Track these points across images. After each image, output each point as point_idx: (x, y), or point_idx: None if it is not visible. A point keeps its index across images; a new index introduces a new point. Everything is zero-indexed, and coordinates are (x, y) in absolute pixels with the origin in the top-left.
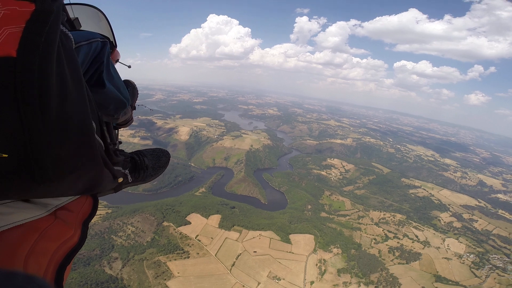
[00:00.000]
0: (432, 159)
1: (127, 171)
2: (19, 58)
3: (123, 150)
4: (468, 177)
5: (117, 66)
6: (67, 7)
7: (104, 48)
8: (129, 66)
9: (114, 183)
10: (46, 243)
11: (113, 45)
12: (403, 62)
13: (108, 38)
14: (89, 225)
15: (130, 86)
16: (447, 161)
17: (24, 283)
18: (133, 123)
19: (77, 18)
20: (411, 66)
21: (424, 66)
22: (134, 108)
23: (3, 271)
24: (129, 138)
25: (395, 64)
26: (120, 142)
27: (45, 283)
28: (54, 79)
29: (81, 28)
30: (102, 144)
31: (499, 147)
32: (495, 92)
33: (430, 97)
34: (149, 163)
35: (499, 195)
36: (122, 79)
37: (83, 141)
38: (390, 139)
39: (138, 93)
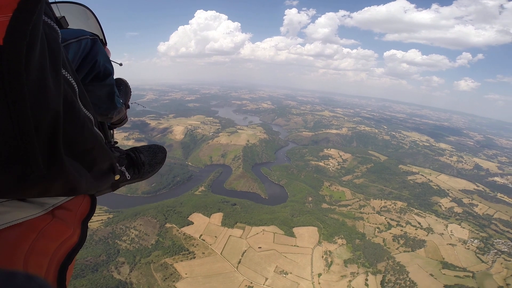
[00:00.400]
0: (427, 144)
1: (123, 168)
2: (6, 47)
3: (119, 147)
4: (464, 161)
5: None
6: (53, 6)
7: (95, 46)
8: (121, 64)
9: (111, 179)
10: (46, 243)
11: (103, 43)
12: (393, 51)
13: (97, 36)
14: (90, 230)
15: (122, 84)
16: (442, 145)
17: (25, 283)
18: (126, 125)
19: (64, 16)
20: (400, 55)
21: (414, 54)
22: (128, 107)
23: (3, 271)
24: (124, 141)
25: (385, 53)
26: (116, 142)
27: (46, 283)
28: (38, 69)
29: (68, 27)
30: (102, 136)
31: (492, 130)
32: (484, 78)
33: (421, 84)
34: (146, 160)
35: (496, 178)
36: (114, 78)
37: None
38: (385, 127)
39: (131, 91)
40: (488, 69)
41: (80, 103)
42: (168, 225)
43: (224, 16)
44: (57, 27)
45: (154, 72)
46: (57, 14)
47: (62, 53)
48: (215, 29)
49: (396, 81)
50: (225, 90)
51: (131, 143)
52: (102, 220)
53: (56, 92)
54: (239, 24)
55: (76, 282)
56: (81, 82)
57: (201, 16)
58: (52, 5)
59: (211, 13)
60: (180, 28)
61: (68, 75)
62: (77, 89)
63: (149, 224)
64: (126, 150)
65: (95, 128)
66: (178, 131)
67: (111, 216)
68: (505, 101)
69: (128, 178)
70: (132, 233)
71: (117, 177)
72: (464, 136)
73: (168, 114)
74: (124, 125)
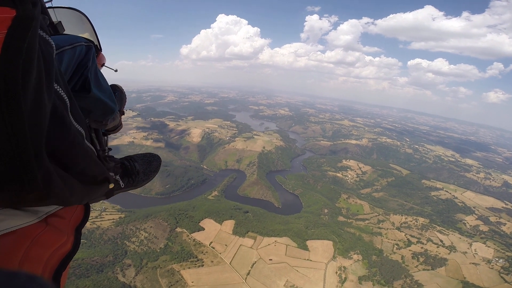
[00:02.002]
0: (453, 159)
1: (117, 177)
2: (2, 64)
3: (113, 156)
4: (492, 178)
5: (104, 70)
6: (50, 10)
7: (89, 52)
8: (116, 70)
9: (105, 189)
10: (39, 250)
11: (98, 49)
12: (418, 60)
13: (92, 42)
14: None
15: (117, 91)
16: (468, 161)
17: (26, 283)
18: (146, 125)
19: (60, 21)
20: (426, 64)
21: (440, 64)
22: (123, 113)
23: (5, 271)
24: (142, 141)
25: (409, 62)
26: (110, 149)
27: (47, 283)
28: (36, 85)
29: (64, 32)
30: (94, 149)
31: None
32: None
33: (446, 95)
34: (140, 168)
35: None
36: (110, 84)
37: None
38: (407, 139)
39: (126, 98)
40: None
41: (72, 117)
42: (178, 229)
43: (244, 21)
44: (52, 41)
45: (176, 74)
46: (54, 19)
47: (55, 68)
48: (235, 34)
49: (420, 91)
50: (243, 94)
51: (149, 143)
52: (113, 219)
53: (48, 107)
54: (259, 29)
55: (79, 282)
56: (74, 90)
57: (223, 20)
58: (49, 9)
59: (232, 17)
60: (202, 31)
61: (60, 89)
62: (68, 104)
63: (159, 227)
64: (120, 159)
65: (86, 142)
66: (196, 133)
67: (123, 215)
68: None
69: (122, 187)
70: (142, 235)
71: (111, 185)
72: (492, 152)
73: (187, 116)
74: (144, 125)
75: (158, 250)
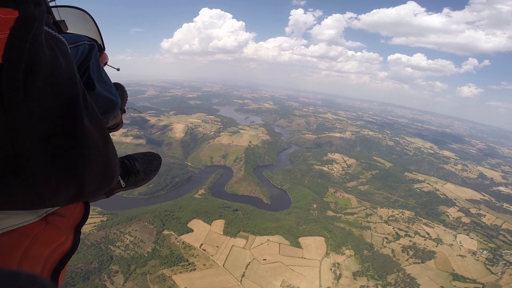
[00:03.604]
0: (432, 151)
1: (118, 176)
2: (5, 65)
3: None
4: (468, 170)
5: (106, 69)
6: (53, 9)
7: (92, 51)
8: (118, 69)
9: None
10: (39, 249)
11: (101, 48)
12: (398, 55)
13: (96, 41)
14: (82, 234)
15: (119, 89)
16: (446, 153)
17: (27, 283)
18: (125, 121)
19: (64, 20)
20: (406, 59)
21: (419, 59)
22: (124, 112)
23: (6, 271)
24: (121, 138)
25: (389, 57)
26: None
27: (48, 283)
28: (40, 85)
29: (67, 31)
30: None
31: (493, 138)
32: (488, 85)
33: (423, 89)
34: (140, 167)
35: (501, 188)
36: (113, 81)
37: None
38: (388, 132)
39: (127, 96)
40: (493, 76)
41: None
42: (166, 232)
43: (229, 15)
44: (63, 38)
45: (157, 69)
46: (57, 18)
47: (74, 63)
48: (219, 28)
49: (398, 85)
50: (227, 88)
51: (129, 140)
52: (95, 223)
53: (65, 103)
54: (244, 23)
55: None
56: None
57: (206, 14)
58: (52, 9)
59: (216, 11)
60: (185, 25)
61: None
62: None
63: (145, 230)
64: (121, 158)
65: None
66: (178, 129)
67: (104, 219)
68: (507, 108)
69: (123, 186)
70: (127, 239)
71: None
72: (467, 143)
73: (169, 111)
74: (123, 121)
75: (146, 255)
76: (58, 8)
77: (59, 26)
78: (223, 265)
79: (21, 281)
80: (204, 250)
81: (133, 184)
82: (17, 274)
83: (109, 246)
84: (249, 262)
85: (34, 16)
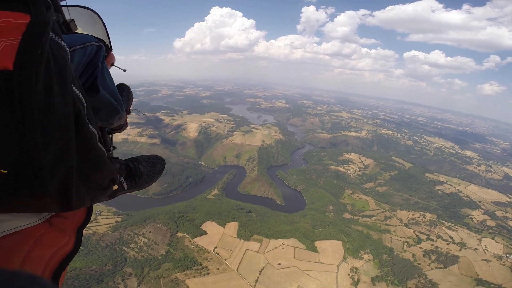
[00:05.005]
0: (453, 151)
1: (122, 179)
2: (17, 72)
3: (118, 158)
4: (492, 171)
5: (112, 69)
6: (63, 9)
7: (99, 52)
8: (125, 70)
9: (110, 190)
10: (41, 250)
11: (109, 48)
12: (414, 52)
13: (103, 41)
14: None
15: (125, 90)
16: (468, 153)
17: (27, 283)
18: (140, 120)
19: (73, 20)
20: (423, 56)
21: (437, 56)
22: (129, 113)
23: (7, 271)
24: (136, 137)
25: (405, 54)
26: (114, 147)
27: (48, 283)
28: (47, 92)
29: (77, 31)
30: (105, 150)
31: None
32: (511, 82)
33: (441, 87)
34: (144, 170)
35: None
36: (118, 82)
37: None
38: (406, 131)
39: (133, 97)
40: None
41: (86, 118)
42: (179, 234)
43: (239, 14)
44: (66, 45)
45: (170, 68)
46: (67, 17)
47: (71, 71)
48: (230, 26)
49: (415, 83)
50: (239, 87)
51: (144, 140)
52: (110, 223)
53: (65, 112)
54: (254, 21)
55: None
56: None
57: (217, 13)
58: (62, 8)
59: (227, 10)
60: (196, 24)
61: (78, 91)
62: (85, 105)
63: (159, 232)
64: (125, 160)
65: (98, 143)
66: (192, 128)
67: (119, 219)
68: None
69: (126, 188)
70: (141, 240)
71: (115, 187)
72: (489, 143)
73: (182, 110)
74: (139, 120)
75: (160, 257)
76: (68, 7)
77: (69, 25)
78: (236, 270)
79: (22, 281)
80: (218, 254)
81: (136, 187)
82: (18, 274)
83: (123, 248)
84: (263, 267)
85: (47, 21)
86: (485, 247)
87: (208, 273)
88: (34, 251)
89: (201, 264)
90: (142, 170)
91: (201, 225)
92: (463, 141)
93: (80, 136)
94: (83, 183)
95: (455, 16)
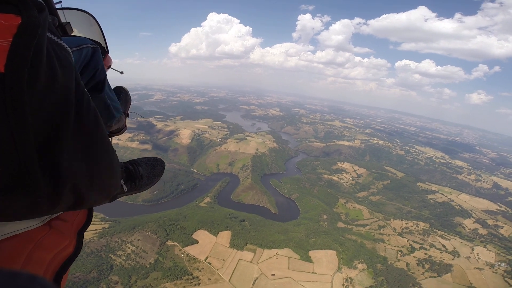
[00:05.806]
0: (444, 161)
1: (122, 181)
2: (8, 74)
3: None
4: (482, 180)
5: (110, 72)
6: (59, 11)
7: (96, 54)
8: (122, 72)
9: None
10: (42, 253)
11: (105, 51)
12: (406, 61)
13: (99, 44)
14: (83, 241)
15: (122, 92)
16: (458, 162)
17: (28, 283)
18: (131, 125)
19: (69, 23)
20: (414, 65)
21: (428, 65)
22: (128, 115)
23: (7, 271)
24: (127, 143)
25: (397, 63)
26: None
27: (48, 283)
28: (43, 93)
29: (73, 33)
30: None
31: (504, 147)
32: (498, 92)
33: (431, 96)
34: (144, 172)
35: None
36: (116, 85)
37: None
38: (397, 140)
39: (131, 100)
40: (504, 82)
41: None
42: (170, 242)
43: (236, 20)
44: (67, 46)
45: (164, 73)
46: (63, 20)
47: (75, 71)
48: (226, 33)
49: (406, 92)
50: (233, 94)
51: (135, 145)
52: (96, 230)
53: (68, 111)
54: (251, 28)
55: None
56: None
57: (214, 18)
58: (58, 10)
59: (224, 16)
60: (193, 30)
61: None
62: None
63: (148, 240)
64: (124, 162)
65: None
66: (185, 134)
67: (106, 226)
68: None
69: (125, 191)
70: (129, 248)
71: None
72: (478, 153)
73: (176, 115)
74: (130, 125)
75: (148, 266)
76: (64, 10)
77: (65, 28)
78: (229, 280)
79: (22, 281)
80: (210, 264)
81: (136, 189)
82: (18, 274)
83: (110, 255)
84: (257, 277)
85: (38, 23)
86: (478, 255)
87: (199, 283)
88: (34, 254)
89: (191, 274)
90: (142, 172)
91: (192, 234)
92: (452, 151)
93: (85, 136)
94: (85, 185)
95: (447, 25)
